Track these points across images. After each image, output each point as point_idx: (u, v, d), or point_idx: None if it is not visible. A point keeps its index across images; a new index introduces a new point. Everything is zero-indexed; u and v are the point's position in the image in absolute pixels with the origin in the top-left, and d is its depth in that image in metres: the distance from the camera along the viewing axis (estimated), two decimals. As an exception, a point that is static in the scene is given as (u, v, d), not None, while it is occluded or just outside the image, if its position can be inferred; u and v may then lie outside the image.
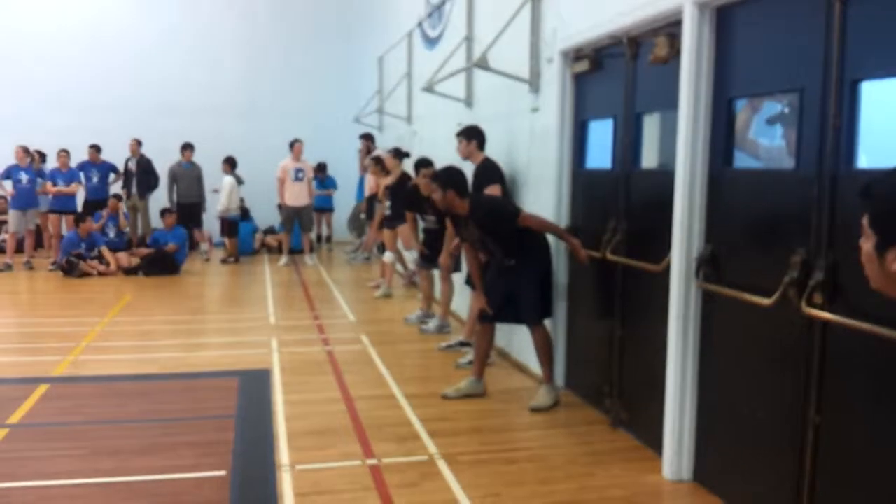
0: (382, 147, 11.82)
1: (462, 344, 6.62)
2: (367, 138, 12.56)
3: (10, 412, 5.00)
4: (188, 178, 12.78)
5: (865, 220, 1.65)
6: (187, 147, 12.81)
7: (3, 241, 12.59)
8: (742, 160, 3.79)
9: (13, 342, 7.48)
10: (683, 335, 3.95)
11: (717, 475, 3.85)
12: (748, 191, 3.66)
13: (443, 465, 4.17)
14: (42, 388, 5.53)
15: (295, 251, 12.74)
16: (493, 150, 6.38)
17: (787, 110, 3.53)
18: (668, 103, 4.08)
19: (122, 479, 4.02)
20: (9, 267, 11.51)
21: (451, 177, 5.38)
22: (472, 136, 6.35)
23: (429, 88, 7.61)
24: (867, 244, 1.65)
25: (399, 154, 9.20)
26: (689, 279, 3.92)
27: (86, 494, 3.85)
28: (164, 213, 11.82)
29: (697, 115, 3.82)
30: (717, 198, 3.83)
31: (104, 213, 12.20)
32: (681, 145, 3.89)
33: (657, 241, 4.23)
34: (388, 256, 9.34)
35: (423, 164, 7.59)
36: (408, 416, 5.01)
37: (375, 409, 5.16)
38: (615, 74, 4.83)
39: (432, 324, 7.53)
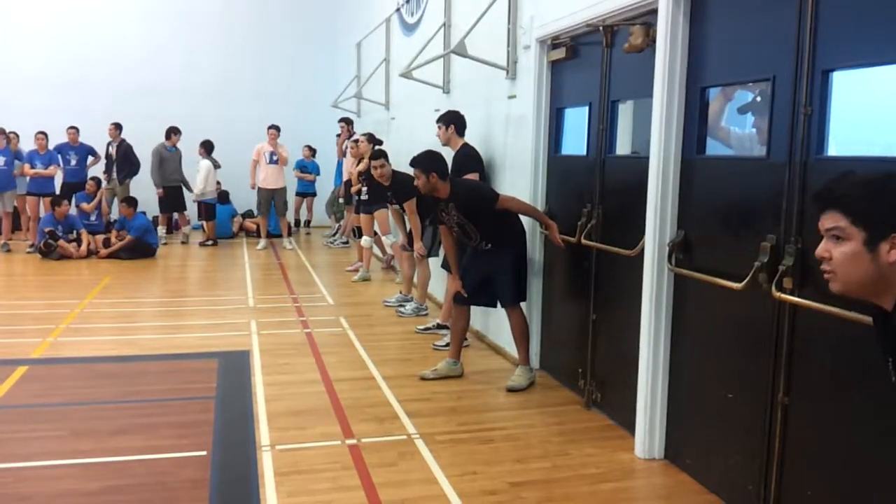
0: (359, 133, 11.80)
1: (440, 326, 6.70)
2: (347, 122, 12.54)
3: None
4: (173, 161, 12.71)
5: (838, 222, 1.66)
6: (174, 131, 12.73)
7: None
8: (714, 148, 3.87)
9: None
10: (656, 318, 4.04)
11: (687, 454, 3.96)
12: (720, 178, 3.74)
13: (421, 445, 4.24)
14: (20, 370, 5.54)
15: (272, 235, 12.73)
16: (470, 137, 6.43)
17: (758, 99, 3.61)
18: (643, 91, 4.15)
19: (101, 459, 4.05)
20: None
21: (432, 160, 5.43)
22: (451, 121, 6.39)
23: (406, 74, 7.63)
24: (845, 246, 1.66)
25: (372, 140, 9.23)
26: (662, 264, 4.01)
27: (65, 475, 3.88)
28: (124, 201, 11.71)
29: (671, 103, 3.90)
30: (689, 184, 3.91)
31: (100, 194, 12.10)
32: (654, 133, 3.97)
33: (631, 226, 4.31)
34: (365, 241, 9.38)
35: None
36: (386, 397, 5.08)
37: (354, 390, 5.22)
38: (591, 62, 4.90)
39: (409, 307, 7.59)
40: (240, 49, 14.90)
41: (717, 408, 3.68)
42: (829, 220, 1.69)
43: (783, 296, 3.13)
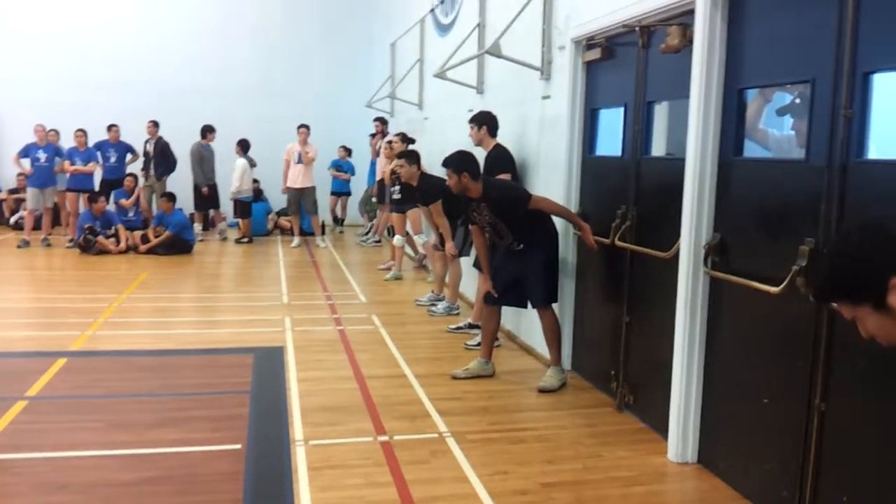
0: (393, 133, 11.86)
1: (471, 326, 6.71)
2: (382, 122, 12.61)
3: (29, 385, 5.12)
4: (210, 159, 12.91)
5: (850, 312, 1.77)
6: (209, 129, 12.92)
7: (22, 218, 12.75)
8: (752, 150, 3.83)
9: (32, 317, 7.61)
10: (691, 321, 4.01)
11: (721, 458, 3.93)
12: (758, 180, 3.70)
13: (452, 443, 4.26)
14: (60, 362, 5.66)
15: (305, 233, 12.84)
16: (503, 137, 6.43)
17: (797, 101, 3.57)
18: (679, 92, 4.12)
19: (137, 451, 4.13)
20: (27, 244, 11.66)
21: (463, 160, 5.44)
22: (484, 122, 6.40)
23: (440, 75, 7.65)
24: (869, 320, 1.75)
25: (406, 139, 9.26)
26: (698, 266, 3.98)
27: (103, 465, 3.96)
28: (164, 196, 11.89)
29: (708, 104, 3.87)
30: (726, 186, 3.88)
31: (137, 190, 12.33)
32: (691, 134, 3.94)
33: (666, 228, 4.29)
34: (397, 240, 9.42)
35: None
36: (418, 395, 5.11)
37: (386, 387, 5.25)
38: (626, 63, 4.87)
39: (441, 306, 7.62)
40: (276, 49, 15.06)
41: (753, 412, 3.64)
42: (845, 312, 1.82)
43: (821, 300, 3.09)
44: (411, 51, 11.45)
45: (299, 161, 12.19)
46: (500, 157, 6.21)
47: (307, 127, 12.25)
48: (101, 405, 4.90)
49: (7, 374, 5.53)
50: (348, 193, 14.40)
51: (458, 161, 5.43)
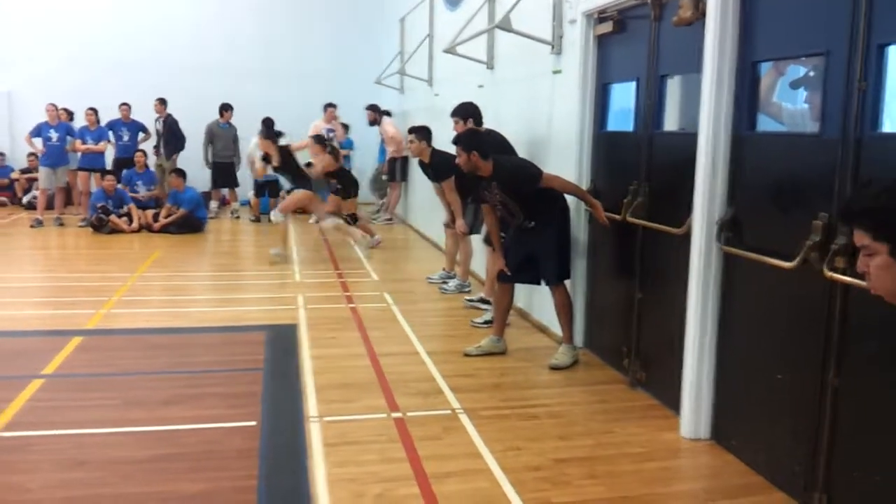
0: (402, 113, 11.83)
1: (483, 301, 6.73)
2: (374, 109, 12.60)
3: (45, 363, 5.18)
4: (225, 138, 12.95)
5: (863, 240, 1.70)
6: (226, 108, 12.93)
7: (34, 198, 12.82)
8: (766, 124, 3.79)
9: (46, 296, 7.68)
10: (703, 297, 4.00)
11: (734, 435, 3.93)
12: (771, 155, 3.67)
13: (465, 420, 4.28)
14: (75, 341, 5.71)
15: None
16: (513, 113, 6.40)
17: (811, 74, 3.53)
18: (692, 66, 4.08)
19: (153, 428, 4.18)
20: (40, 223, 11.73)
21: (473, 139, 5.43)
22: (469, 115, 6.54)
23: (450, 50, 7.60)
24: (876, 259, 1.69)
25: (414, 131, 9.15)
26: (710, 242, 3.96)
27: (119, 443, 4.00)
28: (173, 172, 11.91)
29: (721, 77, 3.82)
30: (739, 161, 3.84)
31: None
32: (704, 108, 3.90)
33: (678, 203, 4.26)
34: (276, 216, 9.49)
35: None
36: (430, 372, 5.13)
37: (399, 364, 5.28)
38: (638, 36, 4.82)
39: (452, 283, 7.63)
40: (283, 27, 14.97)
41: (766, 388, 3.64)
42: (857, 238, 1.75)
43: (835, 275, 3.07)
44: (421, 26, 11.36)
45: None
46: (495, 144, 6.19)
47: (334, 106, 12.28)
48: (116, 383, 4.95)
49: (23, 352, 5.59)
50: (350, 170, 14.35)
51: (468, 139, 5.41)
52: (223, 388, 4.86)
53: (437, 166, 7.43)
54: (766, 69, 3.75)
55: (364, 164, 14.25)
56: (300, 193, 9.06)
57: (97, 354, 5.54)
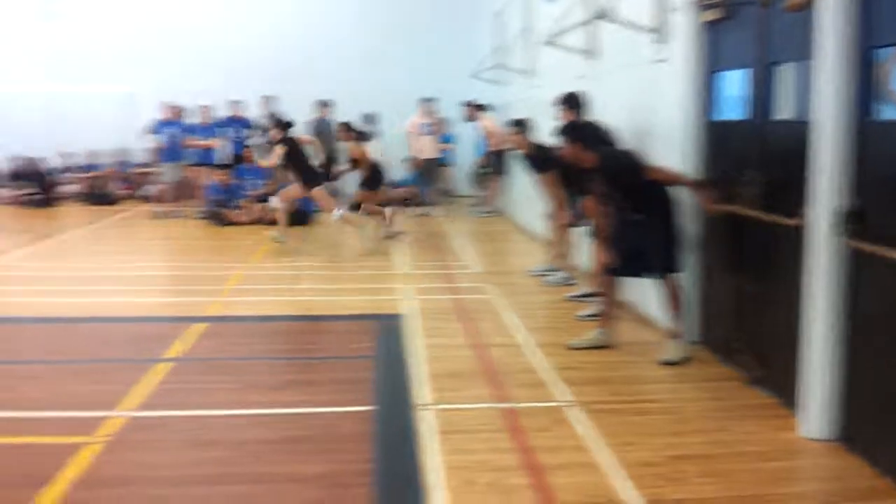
0: (500, 106, 11.84)
1: (588, 295, 6.67)
2: (474, 106, 12.64)
3: (168, 347, 5.47)
4: (328, 134, 13.32)
5: None
6: (325, 104, 13.29)
7: (154, 192, 13.54)
8: (889, 111, 3.61)
9: (168, 285, 8.11)
10: (825, 292, 3.84)
11: (858, 436, 3.77)
12: (892, 143, 3.49)
13: (575, 412, 4.27)
14: (199, 327, 5.99)
15: (420, 204, 13.07)
16: (616, 103, 6.31)
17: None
18: (805, 52, 3.92)
19: (272, 411, 4.36)
20: (161, 215, 12.41)
21: (577, 130, 5.39)
22: (573, 104, 6.48)
23: (549, 42, 7.54)
24: None
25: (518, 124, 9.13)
26: (830, 234, 3.79)
27: (243, 424, 4.20)
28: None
29: (836, 64, 3.64)
30: (857, 150, 3.66)
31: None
32: (819, 96, 3.74)
33: (792, 194, 4.09)
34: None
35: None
36: (537, 363, 5.14)
37: (506, 355, 5.31)
38: (748, 22, 4.66)
39: (556, 276, 7.60)
40: (381, 27, 15.18)
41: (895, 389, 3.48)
42: None
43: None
44: (516, 19, 11.32)
45: (426, 132, 12.47)
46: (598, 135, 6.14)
47: (432, 100, 12.50)
48: (236, 367, 5.19)
49: (148, 337, 5.91)
50: (450, 164, 14.49)
51: (573, 131, 5.38)
52: (335, 374, 5.04)
53: (539, 158, 7.41)
54: (887, 55, 3.55)
55: (464, 158, 14.34)
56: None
57: (219, 340, 5.81)
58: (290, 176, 9.72)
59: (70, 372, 5.09)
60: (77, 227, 12.11)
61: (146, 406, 4.39)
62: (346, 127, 10.46)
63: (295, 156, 9.37)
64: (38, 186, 14.18)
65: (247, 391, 4.69)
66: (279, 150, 9.23)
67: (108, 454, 3.76)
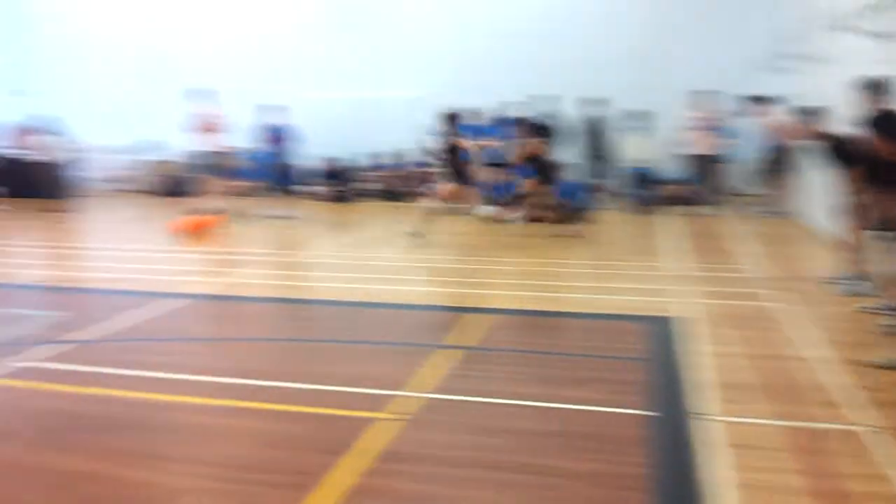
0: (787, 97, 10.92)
1: (890, 308, 5.94)
2: (759, 100, 11.71)
3: (444, 335, 5.81)
4: (600, 130, 13.39)
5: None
6: (600, 100, 13.34)
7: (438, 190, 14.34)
8: None
9: (448, 276, 8.48)
10: None
11: None
12: None
13: (879, 439, 3.84)
14: (478, 318, 6.27)
15: (695, 203, 12.56)
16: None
17: None
18: None
19: (551, 405, 4.42)
20: (450, 212, 13.12)
21: (890, 122, 4.81)
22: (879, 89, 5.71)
23: (840, 26, 6.79)
24: None
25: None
26: None
27: (523, 415, 4.29)
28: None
29: None
30: None
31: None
32: None
33: None
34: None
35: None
36: (830, 380, 4.70)
37: (797, 370, 4.91)
38: None
39: (850, 284, 6.87)
40: (652, 16, 14.74)
41: None
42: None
43: None
44: (798, 7, 10.38)
45: (695, 127, 12.07)
46: None
47: (710, 93, 12.12)
48: (512, 358, 5.35)
49: (425, 325, 6.32)
50: (729, 161, 13.64)
51: (886, 122, 4.82)
52: (604, 373, 4.98)
53: (844, 151, 6.71)
54: None
55: (748, 155, 13.45)
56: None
57: (494, 332, 6.01)
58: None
59: (366, 352, 5.54)
60: (375, 222, 13.10)
61: (436, 389, 4.67)
62: (523, 122, 10.58)
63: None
64: (344, 184, 15.68)
65: (525, 383, 4.79)
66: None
67: (406, 431, 4.05)
